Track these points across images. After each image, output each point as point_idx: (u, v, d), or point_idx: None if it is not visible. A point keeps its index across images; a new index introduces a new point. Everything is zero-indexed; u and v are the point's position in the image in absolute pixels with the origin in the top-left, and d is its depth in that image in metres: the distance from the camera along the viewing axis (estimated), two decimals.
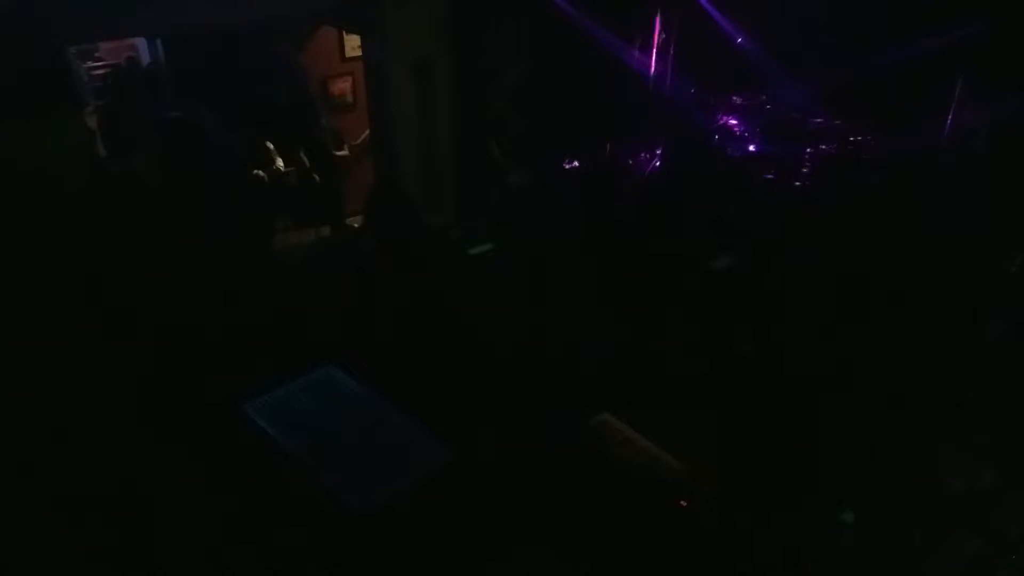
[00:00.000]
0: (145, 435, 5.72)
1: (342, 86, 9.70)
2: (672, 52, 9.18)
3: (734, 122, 9.23)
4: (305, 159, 9.00)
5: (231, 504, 5.16)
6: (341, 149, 9.43)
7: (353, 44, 9.36)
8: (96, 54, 9.95)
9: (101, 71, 9.52)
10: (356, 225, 9.78)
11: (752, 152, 9.07)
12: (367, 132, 9.54)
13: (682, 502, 5.18)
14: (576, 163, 9.28)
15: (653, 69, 9.18)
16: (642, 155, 9.75)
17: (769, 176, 8.80)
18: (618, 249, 8.61)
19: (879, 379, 6.29)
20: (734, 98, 9.31)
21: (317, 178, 9.08)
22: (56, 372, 6.14)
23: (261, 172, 8.48)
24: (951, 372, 6.15)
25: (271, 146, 8.60)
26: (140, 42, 9.49)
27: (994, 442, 5.53)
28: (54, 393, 5.96)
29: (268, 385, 5.94)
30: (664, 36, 9.02)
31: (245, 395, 5.79)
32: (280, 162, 8.67)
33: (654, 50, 9.04)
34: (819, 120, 8.81)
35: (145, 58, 9.47)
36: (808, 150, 8.57)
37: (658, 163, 9.75)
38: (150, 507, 5.13)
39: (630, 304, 7.60)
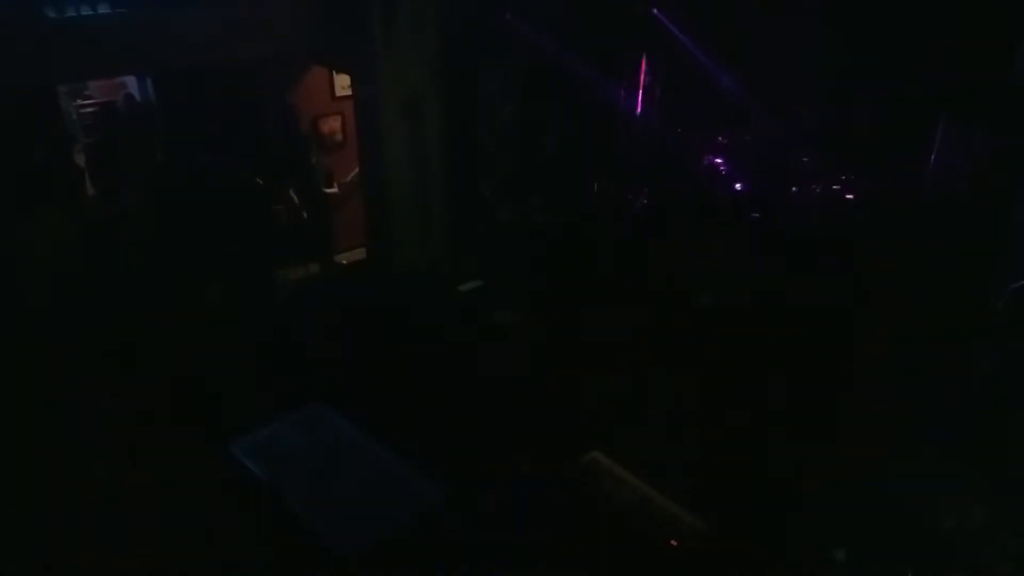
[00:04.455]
0: (130, 471, 5.65)
1: (332, 124, 9.77)
2: (659, 93, 9.30)
3: (719, 162, 9.34)
4: (295, 197, 9.02)
5: (223, 544, 5.08)
6: (331, 187, 9.46)
7: (343, 83, 9.45)
8: (86, 92, 9.97)
9: (91, 109, 9.51)
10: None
11: (738, 191, 9.17)
12: (356, 170, 9.59)
13: (673, 541, 5.16)
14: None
15: (640, 110, 9.30)
16: (629, 194, 9.84)
17: (755, 215, 8.89)
18: (607, 285, 8.65)
19: (871, 417, 6.32)
20: (720, 138, 9.42)
21: (306, 215, 9.10)
22: (47, 411, 6.09)
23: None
24: (944, 409, 6.17)
25: (261, 183, 8.61)
26: (130, 80, 9.53)
27: (985, 479, 5.53)
28: (46, 437, 5.91)
29: (256, 423, 5.90)
30: (650, 77, 9.14)
31: (233, 434, 5.74)
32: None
33: (640, 91, 9.17)
34: (804, 159, 8.92)
35: (135, 96, 9.49)
36: (794, 189, 8.67)
37: (644, 202, 9.84)
38: (139, 545, 5.05)
39: (618, 340, 7.62)
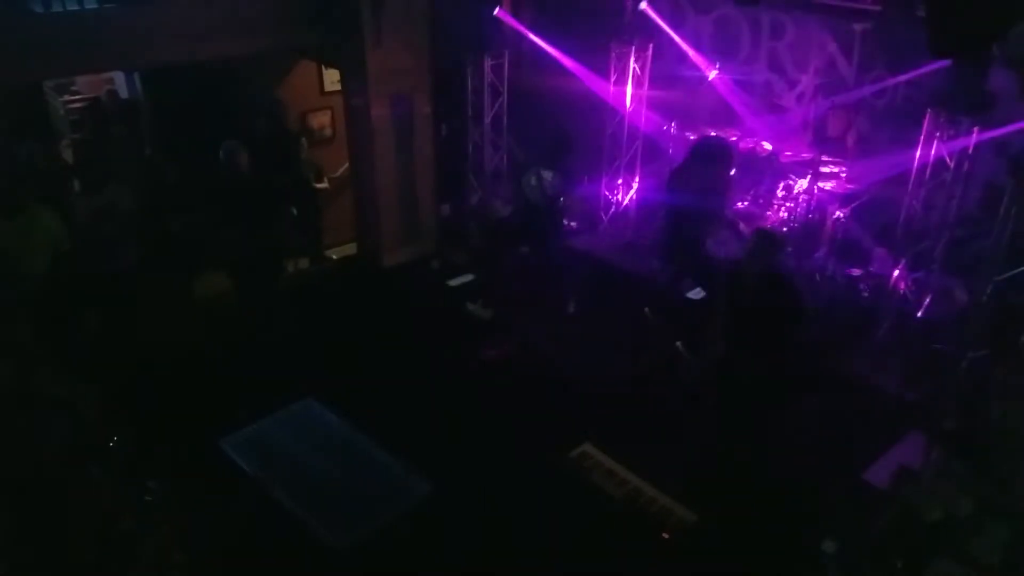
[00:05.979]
0: (123, 469, 5.62)
1: (321, 119, 9.74)
2: (646, 87, 9.31)
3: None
4: (285, 192, 8.97)
5: (209, 538, 5.07)
6: (321, 181, 9.44)
7: (332, 78, 9.42)
8: (73, 87, 9.91)
9: (78, 104, 9.46)
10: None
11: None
12: (346, 165, 9.57)
13: (664, 533, 5.18)
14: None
15: (628, 104, 9.31)
16: (618, 188, 9.87)
17: (743, 208, 8.92)
18: (594, 279, 8.68)
19: (859, 410, 6.36)
20: (709, 132, 9.44)
21: (296, 211, 9.07)
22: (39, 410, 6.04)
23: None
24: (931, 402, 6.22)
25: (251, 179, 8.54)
26: (118, 76, 9.47)
27: (971, 470, 5.57)
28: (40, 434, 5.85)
29: (245, 419, 5.89)
30: (639, 72, 9.16)
31: (222, 429, 5.73)
32: None
33: (629, 86, 9.18)
34: (791, 153, 8.95)
35: (123, 92, 9.45)
36: (781, 183, 8.71)
37: (633, 195, 9.88)
38: (127, 542, 5.02)
39: (611, 335, 7.64)
